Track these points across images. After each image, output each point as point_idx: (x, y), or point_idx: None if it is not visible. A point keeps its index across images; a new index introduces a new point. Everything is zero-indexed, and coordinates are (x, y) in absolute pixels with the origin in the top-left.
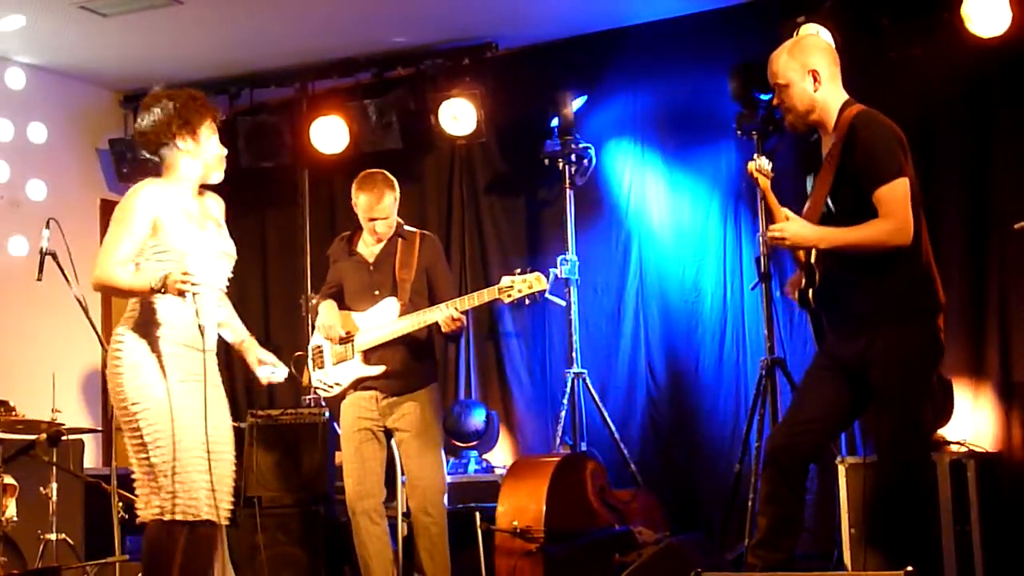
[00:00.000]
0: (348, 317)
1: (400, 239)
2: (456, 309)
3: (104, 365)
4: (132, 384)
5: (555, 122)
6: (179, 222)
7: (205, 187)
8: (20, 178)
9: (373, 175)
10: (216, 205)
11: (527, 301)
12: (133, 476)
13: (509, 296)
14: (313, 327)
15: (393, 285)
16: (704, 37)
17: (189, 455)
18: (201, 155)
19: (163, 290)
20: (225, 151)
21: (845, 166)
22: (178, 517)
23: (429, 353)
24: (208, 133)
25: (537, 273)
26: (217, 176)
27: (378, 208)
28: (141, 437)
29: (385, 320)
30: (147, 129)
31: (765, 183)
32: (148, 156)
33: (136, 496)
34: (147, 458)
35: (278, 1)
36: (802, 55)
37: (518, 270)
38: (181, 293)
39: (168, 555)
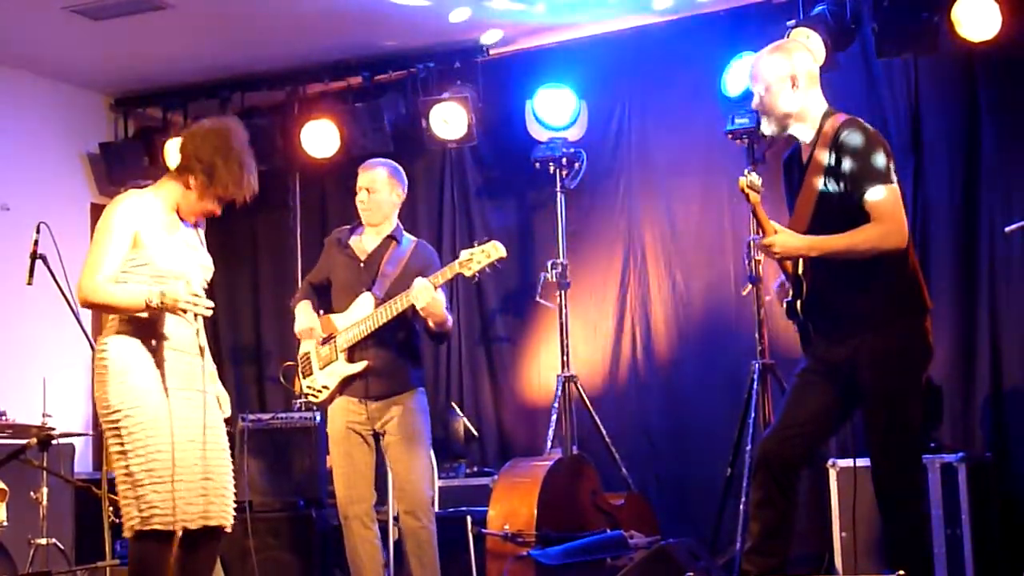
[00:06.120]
0: (328, 320)
1: (394, 240)
2: (432, 283)
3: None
4: (117, 389)
5: (546, 125)
6: (158, 235)
7: None
8: (9, 182)
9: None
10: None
11: (487, 270)
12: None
13: (470, 269)
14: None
15: (376, 281)
16: (696, 41)
17: (180, 463)
18: (191, 200)
19: (160, 308)
20: (216, 213)
21: (831, 175)
22: (156, 527)
23: (415, 356)
24: (213, 197)
25: (493, 241)
26: (190, 216)
27: (365, 175)
28: (121, 444)
29: (361, 315)
30: (189, 151)
31: (755, 198)
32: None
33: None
34: (126, 466)
35: (269, 4)
36: (782, 59)
37: (476, 242)
38: (181, 312)
39: (154, 568)
